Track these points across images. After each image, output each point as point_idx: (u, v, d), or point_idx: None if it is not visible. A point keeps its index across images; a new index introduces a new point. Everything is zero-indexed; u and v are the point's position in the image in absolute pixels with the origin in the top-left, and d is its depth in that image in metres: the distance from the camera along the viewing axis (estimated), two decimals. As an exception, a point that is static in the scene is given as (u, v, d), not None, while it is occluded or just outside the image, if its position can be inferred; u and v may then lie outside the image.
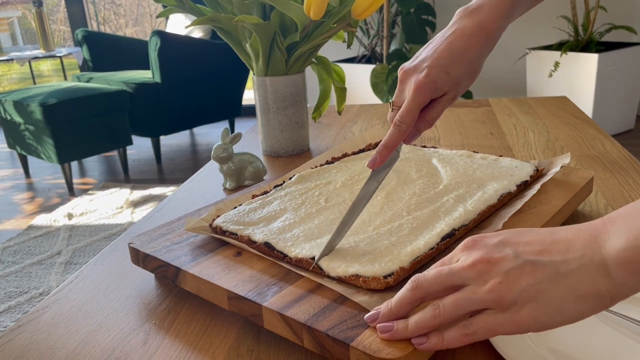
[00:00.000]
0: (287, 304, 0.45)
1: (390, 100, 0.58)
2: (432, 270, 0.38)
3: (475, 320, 0.36)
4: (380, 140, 0.83)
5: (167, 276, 0.54)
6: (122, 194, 2.61)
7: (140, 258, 0.57)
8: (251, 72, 0.96)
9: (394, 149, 0.54)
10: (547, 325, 0.34)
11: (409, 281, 0.39)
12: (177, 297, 0.55)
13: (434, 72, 0.53)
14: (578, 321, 0.34)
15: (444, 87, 0.54)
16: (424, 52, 0.56)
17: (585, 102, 2.73)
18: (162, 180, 2.85)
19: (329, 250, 0.50)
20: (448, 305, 0.36)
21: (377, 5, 0.82)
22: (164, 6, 0.91)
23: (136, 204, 2.48)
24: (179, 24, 3.46)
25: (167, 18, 3.57)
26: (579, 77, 2.73)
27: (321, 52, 0.95)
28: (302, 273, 0.49)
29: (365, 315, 0.42)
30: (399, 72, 0.56)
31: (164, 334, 0.49)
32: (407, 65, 0.56)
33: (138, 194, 2.60)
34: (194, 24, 0.85)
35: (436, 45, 0.55)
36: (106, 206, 2.47)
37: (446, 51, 0.54)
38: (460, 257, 0.38)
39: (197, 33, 3.24)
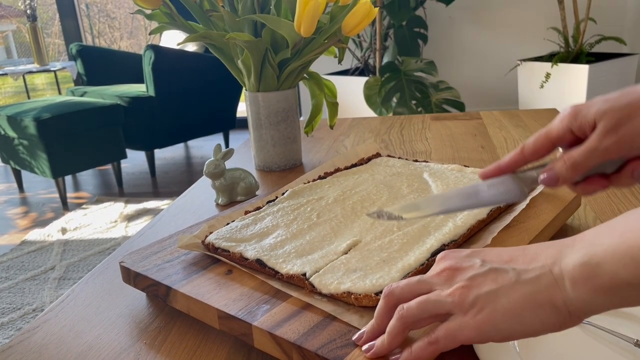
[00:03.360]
0: (277, 323, 0.45)
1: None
2: (404, 280, 0.40)
3: (438, 328, 0.37)
4: (374, 155, 0.84)
5: (158, 295, 0.54)
6: (116, 208, 2.61)
7: (132, 277, 0.57)
8: (244, 88, 0.97)
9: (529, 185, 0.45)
10: (507, 334, 0.34)
11: (383, 290, 0.40)
12: (169, 316, 0.55)
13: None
14: (540, 334, 0.34)
15: None
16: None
17: (577, 112, 2.75)
18: (157, 194, 2.85)
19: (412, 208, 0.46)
20: (412, 306, 0.37)
21: (367, 22, 0.83)
22: (158, 23, 0.92)
23: (130, 217, 2.47)
24: (174, 37, 3.48)
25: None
26: (570, 88, 2.75)
27: (314, 65, 0.96)
28: (292, 293, 0.49)
29: (354, 337, 0.42)
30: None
31: (154, 354, 0.49)
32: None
33: (132, 207, 2.59)
34: (186, 41, 0.86)
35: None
36: (100, 220, 2.46)
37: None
38: (433, 268, 0.40)
39: (191, 47, 3.26)
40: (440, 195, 0.49)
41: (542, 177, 0.44)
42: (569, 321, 0.33)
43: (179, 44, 0.89)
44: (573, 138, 0.44)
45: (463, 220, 0.57)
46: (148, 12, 0.90)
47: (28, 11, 3.81)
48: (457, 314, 0.36)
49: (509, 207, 0.63)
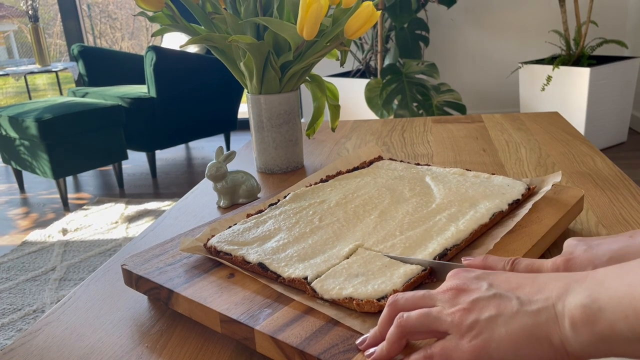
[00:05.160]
0: (279, 327, 0.45)
1: None
2: (410, 292, 0.40)
3: (435, 344, 0.36)
4: (376, 158, 0.83)
5: (160, 298, 0.54)
6: (117, 209, 2.61)
7: (133, 280, 0.57)
8: (245, 90, 0.97)
9: None
10: None
11: (388, 300, 0.41)
12: (170, 319, 0.54)
13: None
14: None
15: None
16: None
17: (578, 115, 2.76)
18: (158, 195, 2.85)
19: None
20: (412, 317, 0.37)
21: (369, 25, 0.83)
22: (160, 25, 0.92)
23: (131, 218, 2.47)
24: (175, 38, 3.48)
25: (162, 33, 3.59)
26: (572, 91, 2.75)
27: (315, 67, 0.96)
28: (294, 297, 0.49)
29: (357, 341, 0.42)
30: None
31: (156, 358, 0.49)
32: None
33: (133, 208, 2.59)
34: (188, 43, 0.86)
35: None
36: (101, 221, 2.46)
37: None
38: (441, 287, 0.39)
39: (193, 48, 3.26)
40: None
41: None
42: (567, 359, 0.32)
43: (181, 46, 0.89)
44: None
45: (465, 224, 0.57)
46: (150, 14, 0.90)
47: (30, 11, 3.81)
48: (454, 335, 0.35)
49: (511, 212, 0.63)
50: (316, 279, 0.50)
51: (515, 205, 0.64)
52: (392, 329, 0.38)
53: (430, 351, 0.36)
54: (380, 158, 0.85)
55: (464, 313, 0.35)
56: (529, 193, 0.67)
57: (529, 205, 0.62)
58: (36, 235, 2.35)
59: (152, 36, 0.93)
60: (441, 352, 0.36)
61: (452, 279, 0.39)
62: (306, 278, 0.50)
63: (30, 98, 4.18)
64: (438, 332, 0.36)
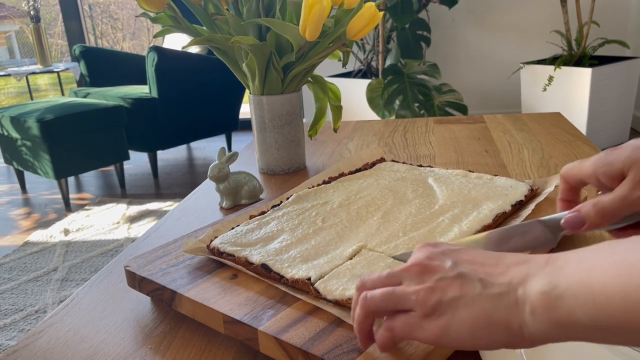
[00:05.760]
0: (282, 328, 0.45)
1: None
2: (376, 273, 0.40)
3: (398, 317, 0.36)
4: (379, 160, 0.83)
5: (163, 299, 0.54)
6: (118, 209, 2.61)
7: (137, 281, 0.57)
8: (247, 91, 0.97)
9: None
10: (459, 345, 0.34)
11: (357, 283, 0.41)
12: (174, 320, 0.55)
13: None
14: (491, 349, 0.34)
15: None
16: None
17: (580, 115, 2.75)
18: (159, 195, 2.85)
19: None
20: (376, 296, 0.37)
21: (371, 26, 0.83)
22: (162, 25, 0.92)
23: (133, 219, 2.47)
24: (176, 39, 3.48)
25: (164, 33, 3.59)
26: (573, 91, 2.75)
27: (317, 68, 0.96)
28: (299, 296, 0.49)
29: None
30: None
31: (159, 359, 0.49)
32: None
33: (135, 209, 2.60)
34: (190, 44, 0.86)
35: None
36: (103, 221, 2.47)
37: None
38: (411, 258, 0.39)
39: (194, 48, 3.26)
40: (471, 240, 0.49)
41: (567, 216, 0.44)
42: (522, 343, 0.32)
43: (183, 47, 0.89)
44: (600, 184, 0.43)
45: (469, 225, 0.57)
46: (152, 15, 0.90)
47: (31, 12, 3.82)
48: (417, 313, 0.35)
49: (514, 213, 0.63)
50: (319, 279, 0.50)
51: (519, 206, 0.64)
52: (357, 310, 0.39)
53: (393, 324, 0.36)
54: (382, 160, 0.85)
55: (428, 292, 0.35)
56: (532, 194, 0.67)
57: (532, 206, 0.62)
58: (38, 236, 2.36)
59: (154, 37, 0.93)
60: (403, 327, 0.36)
61: (418, 252, 0.38)
62: (309, 279, 0.50)
63: (31, 98, 4.19)
64: (403, 311, 0.37)
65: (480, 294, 0.33)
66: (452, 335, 0.34)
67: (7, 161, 2.96)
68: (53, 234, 2.36)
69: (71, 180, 3.19)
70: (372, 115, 2.87)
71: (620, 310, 0.28)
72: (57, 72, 3.88)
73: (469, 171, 0.74)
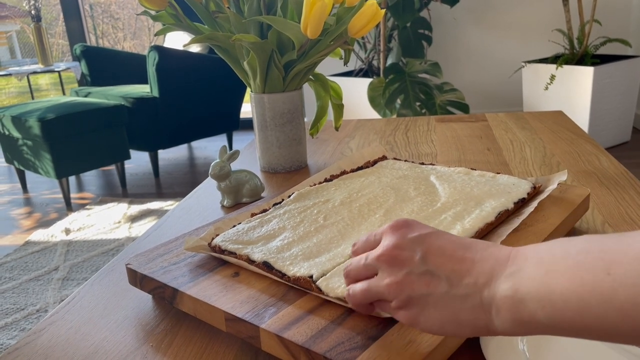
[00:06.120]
0: (284, 326, 0.45)
1: None
2: (355, 258, 0.42)
3: (378, 303, 0.41)
4: (380, 158, 0.83)
5: (165, 297, 0.54)
6: (119, 209, 2.61)
7: (138, 279, 0.56)
8: (249, 89, 0.97)
9: None
10: (428, 331, 0.37)
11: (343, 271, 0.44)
12: (175, 318, 0.54)
13: None
14: (459, 337, 0.39)
15: None
16: None
17: (582, 114, 2.75)
18: (160, 195, 2.85)
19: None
20: (357, 293, 0.42)
21: (373, 23, 0.82)
22: (163, 24, 0.92)
23: (134, 218, 2.47)
24: (177, 38, 3.48)
25: (165, 33, 3.59)
26: (575, 90, 2.75)
27: (318, 67, 0.96)
28: (303, 289, 0.49)
29: None
30: None
31: (161, 357, 0.48)
32: None
33: (136, 208, 2.60)
34: (192, 42, 0.86)
35: None
36: (104, 221, 2.47)
37: None
38: (384, 237, 0.41)
39: (195, 47, 3.26)
40: None
41: None
42: (488, 334, 0.35)
43: (184, 46, 0.89)
44: None
45: (471, 223, 0.57)
46: (153, 13, 0.90)
47: (32, 12, 3.82)
48: (392, 304, 0.39)
49: (517, 210, 0.62)
50: (321, 277, 0.50)
51: (521, 204, 0.63)
52: (350, 302, 0.43)
53: (372, 294, 0.40)
54: (384, 158, 0.84)
55: (398, 287, 0.38)
56: (535, 192, 0.66)
57: (534, 204, 0.62)
58: (39, 235, 2.36)
59: (155, 35, 0.92)
60: (384, 310, 0.41)
61: (389, 235, 0.40)
62: (311, 276, 0.50)
63: (32, 98, 4.19)
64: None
65: (447, 293, 0.36)
66: (422, 325, 0.37)
67: (8, 160, 2.96)
68: (54, 233, 2.36)
69: (72, 179, 3.19)
70: (374, 115, 2.86)
71: (576, 312, 0.30)
72: (58, 72, 3.88)
73: (471, 169, 0.74)
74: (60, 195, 2.87)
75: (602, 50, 3.04)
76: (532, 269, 0.33)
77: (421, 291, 0.36)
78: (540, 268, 0.32)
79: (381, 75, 2.92)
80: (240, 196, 0.84)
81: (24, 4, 3.88)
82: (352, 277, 0.43)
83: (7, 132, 2.81)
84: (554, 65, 2.78)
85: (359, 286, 0.41)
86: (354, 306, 0.43)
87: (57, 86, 4.28)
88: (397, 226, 0.40)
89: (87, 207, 2.69)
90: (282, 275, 0.52)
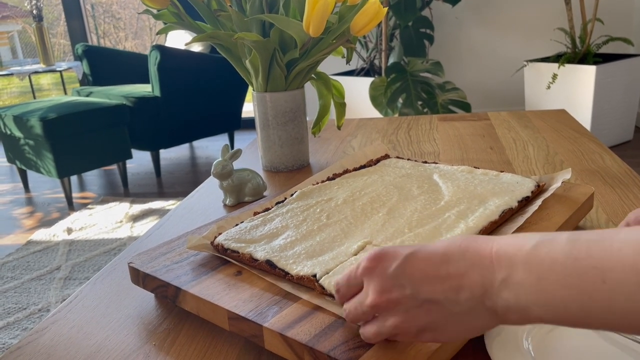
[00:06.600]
0: (288, 324, 0.45)
1: None
2: (350, 305, 0.41)
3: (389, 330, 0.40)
4: (383, 156, 0.83)
5: (167, 296, 0.54)
6: (121, 208, 2.61)
7: (140, 278, 0.56)
8: (251, 88, 0.97)
9: None
10: (446, 342, 0.39)
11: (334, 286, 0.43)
12: (178, 317, 0.54)
13: None
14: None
15: None
16: None
17: (584, 113, 2.74)
18: (162, 194, 2.85)
19: None
20: (371, 336, 0.40)
21: (375, 22, 0.82)
22: (165, 23, 0.92)
23: (136, 218, 2.47)
24: (179, 37, 3.48)
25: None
26: (577, 89, 2.74)
27: (320, 66, 0.96)
28: (302, 295, 0.49)
29: None
30: None
31: (164, 356, 0.48)
32: None
33: (137, 207, 2.60)
34: (194, 41, 0.86)
35: None
36: (106, 220, 2.47)
37: None
38: (365, 281, 0.39)
39: (197, 47, 3.26)
40: None
41: None
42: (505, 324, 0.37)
43: (186, 44, 0.89)
44: None
45: (475, 222, 0.57)
46: (155, 11, 0.90)
47: (34, 11, 3.82)
48: (407, 335, 0.38)
49: (521, 209, 0.62)
50: (325, 276, 0.49)
51: (525, 202, 0.63)
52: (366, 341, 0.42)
53: (385, 335, 0.39)
54: (387, 156, 0.84)
55: (404, 325, 0.38)
56: (539, 190, 0.66)
57: (538, 202, 0.62)
58: (41, 235, 2.36)
59: (157, 34, 0.92)
60: (399, 339, 0.40)
61: (369, 279, 0.39)
62: (315, 275, 0.50)
63: (34, 98, 4.19)
64: None
65: (452, 313, 0.36)
66: (443, 340, 0.38)
67: (10, 160, 2.96)
68: (56, 232, 2.36)
69: (74, 179, 3.20)
70: (375, 114, 2.86)
71: (578, 317, 0.31)
72: (60, 72, 3.88)
73: (474, 167, 0.73)
74: (62, 195, 2.87)
75: (604, 49, 3.03)
76: (522, 276, 0.33)
77: (426, 320, 0.37)
78: (530, 275, 0.33)
79: (383, 74, 2.92)
80: (242, 195, 0.84)
81: (26, 4, 3.88)
82: (357, 322, 0.42)
83: (9, 132, 2.81)
84: (556, 64, 2.77)
85: (369, 330, 0.41)
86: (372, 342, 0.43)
87: (58, 86, 4.28)
88: (371, 266, 0.39)
89: (89, 206, 2.69)
90: (285, 274, 0.52)
